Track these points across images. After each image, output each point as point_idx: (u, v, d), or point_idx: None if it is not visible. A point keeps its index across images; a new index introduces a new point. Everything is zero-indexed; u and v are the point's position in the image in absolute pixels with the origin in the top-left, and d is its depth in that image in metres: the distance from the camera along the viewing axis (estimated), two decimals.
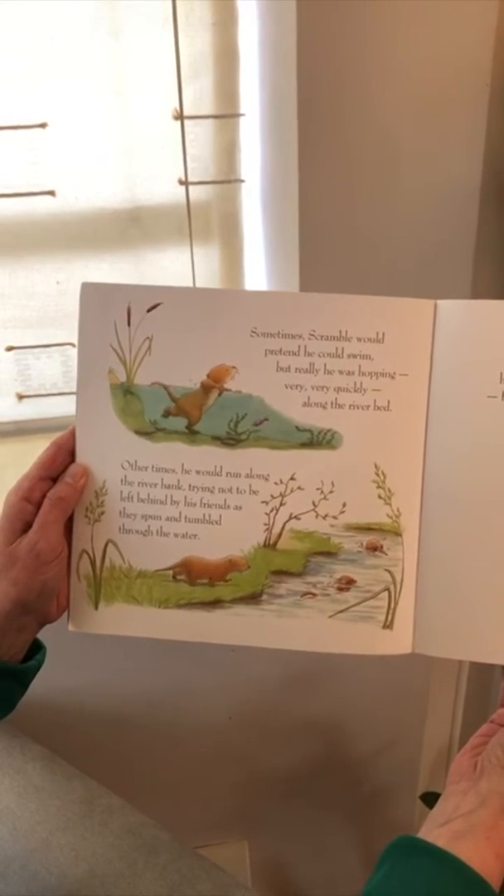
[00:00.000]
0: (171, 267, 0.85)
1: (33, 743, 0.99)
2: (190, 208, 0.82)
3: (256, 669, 1.07)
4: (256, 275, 0.87)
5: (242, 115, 0.80)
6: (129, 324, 0.54)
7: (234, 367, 0.54)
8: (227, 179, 0.83)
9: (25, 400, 0.90)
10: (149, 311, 0.54)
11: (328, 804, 1.21)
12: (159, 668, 1.05)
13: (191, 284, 0.86)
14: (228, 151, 0.82)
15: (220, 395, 0.54)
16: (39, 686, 0.59)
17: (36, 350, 0.87)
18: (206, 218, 0.84)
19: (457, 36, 0.74)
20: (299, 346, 0.54)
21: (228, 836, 1.23)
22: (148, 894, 0.83)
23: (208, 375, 0.54)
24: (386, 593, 0.55)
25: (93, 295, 0.54)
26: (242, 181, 0.83)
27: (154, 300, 0.54)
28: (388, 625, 0.55)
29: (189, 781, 1.16)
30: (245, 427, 0.55)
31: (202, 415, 0.55)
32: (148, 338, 0.54)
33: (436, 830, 0.48)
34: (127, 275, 0.85)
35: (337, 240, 0.82)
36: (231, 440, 0.55)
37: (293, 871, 1.27)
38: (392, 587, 0.55)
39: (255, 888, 1.25)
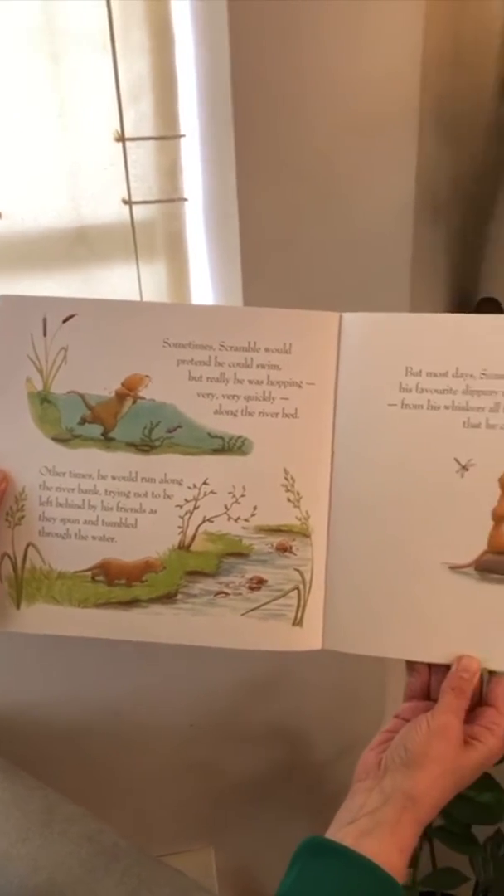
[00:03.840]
0: (119, 284, 0.88)
1: None
2: (135, 227, 0.85)
3: (216, 677, 1.09)
4: (203, 290, 0.90)
5: (183, 136, 0.83)
6: (44, 334, 0.57)
7: (147, 377, 0.57)
8: (170, 198, 0.86)
9: None
10: (64, 321, 0.57)
11: (292, 807, 1.22)
12: (118, 678, 1.07)
13: (138, 300, 0.89)
14: (171, 171, 0.85)
15: (134, 403, 0.57)
16: None
17: None
18: (151, 236, 0.87)
19: (385, 60, 0.77)
20: (210, 357, 0.57)
21: (194, 843, 1.24)
22: None
23: (122, 384, 0.57)
24: (295, 592, 0.58)
25: (10, 307, 0.57)
26: (185, 200, 0.86)
27: (69, 311, 0.57)
28: (297, 622, 0.58)
29: (152, 790, 1.18)
30: (159, 434, 0.57)
31: (117, 422, 0.57)
32: (63, 348, 0.57)
33: (343, 829, 0.50)
34: (76, 293, 0.87)
35: (278, 255, 0.85)
36: (145, 446, 0.57)
37: (260, 875, 1.28)
38: (301, 586, 0.58)
39: (222, 894, 1.26)
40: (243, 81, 0.77)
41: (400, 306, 0.87)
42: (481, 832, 1.04)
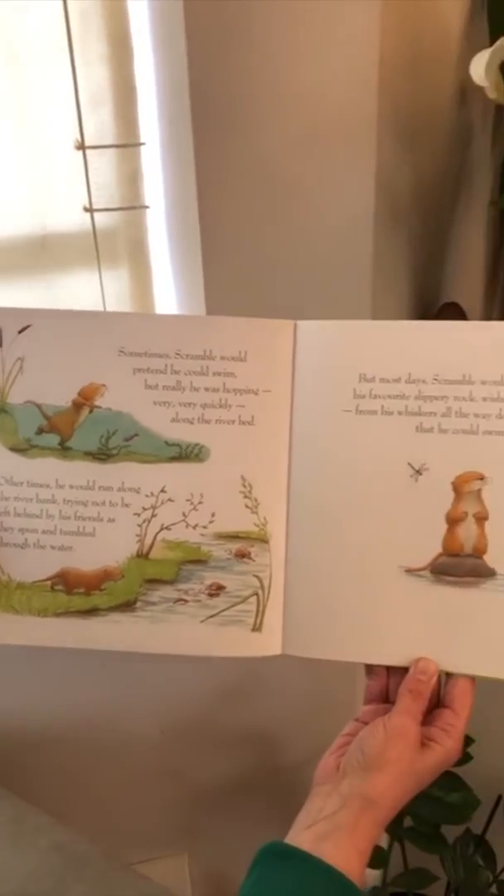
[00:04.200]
0: (82, 292, 0.88)
1: None
2: (96, 234, 0.85)
3: (185, 684, 1.10)
4: (166, 297, 0.90)
5: (143, 144, 0.84)
6: (0, 345, 0.57)
7: (103, 386, 0.57)
8: (132, 206, 0.86)
9: None
10: (20, 332, 0.57)
11: (266, 812, 1.22)
12: (87, 685, 1.06)
13: (101, 308, 0.89)
14: (132, 179, 0.85)
15: (90, 412, 0.57)
16: None
17: None
18: (113, 243, 0.88)
19: (342, 66, 0.78)
20: (166, 365, 0.57)
21: (167, 850, 1.24)
22: None
23: (79, 394, 0.57)
24: (254, 598, 0.58)
25: None
26: (147, 207, 0.87)
27: (24, 322, 0.57)
28: (257, 628, 0.58)
29: (124, 798, 1.18)
30: (116, 443, 0.58)
31: (74, 431, 0.57)
32: (20, 358, 0.57)
33: (301, 833, 0.51)
34: (38, 301, 0.87)
35: (239, 262, 0.85)
36: (103, 455, 0.58)
37: (234, 880, 1.28)
38: (260, 592, 0.58)
39: None
40: (201, 89, 0.77)
41: (362, 312, 0.88)
42: (451, 832, 1.05)
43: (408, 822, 0.99)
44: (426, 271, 0.99)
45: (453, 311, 0.96)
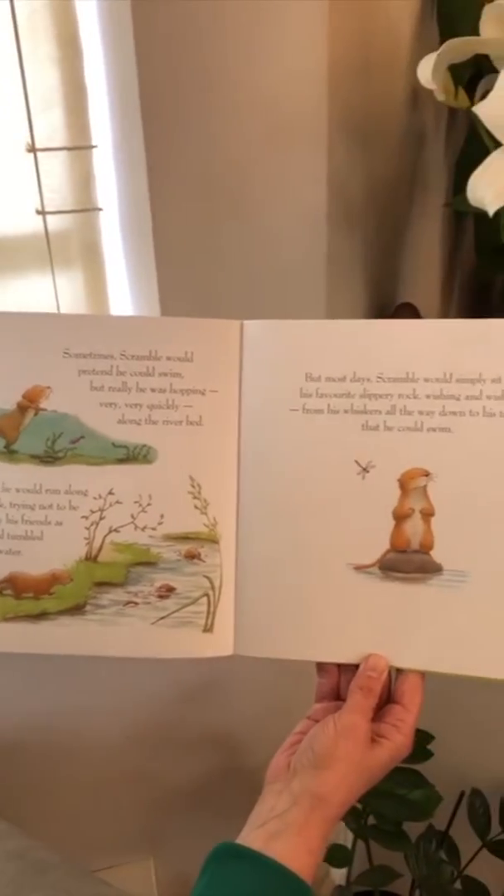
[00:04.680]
0: (36, 295, 0.88)
1: None
2: (49, 237, 0.85)
3: (149, 687, 1.09)
4: (121, 299, 0.90)
5: (95, 146, 0.83)
6: None
7: (48, 388, 0.57)
8: (85, 208, 0.86)
9: None
10: None
11: (232, 814, 1.21)
12: (47, 690, 1.06)
13: (55, 311, 0.88)
14: (84, 182, 0.85)
15: (35, 414, 0.57)
16: None
17: None
18: (67, 246, 0.87)
19: (290, 69, 0.78)
20: (111, 366, 0.57)
21: (133, 855, 1.23)
22: None
23: (24, 396, 0.57)
24: (205, 598, 0.58)
25: None
26: (100, 210, 0.86)
27: None
28: (208, 628, 0.58)
29: (88, 803, 1.17)
30: (62, 445, 0.57)
31: (19, 434, 0.57)
32: None
33: (253, 833, 0.51)
34: None
35: (193, 263, 0.85)
36: (49, 458, 0.57)
37: None
38: (211, 592, 0.58)
39: None
40: (151, 91, 0.77)
41: (316, 313, 0.88)
42: (416, 829, 1.06)
43: (371, 820, 0.99)
44: (382, 272, 1.00)
45: (408, 312, 0.97)
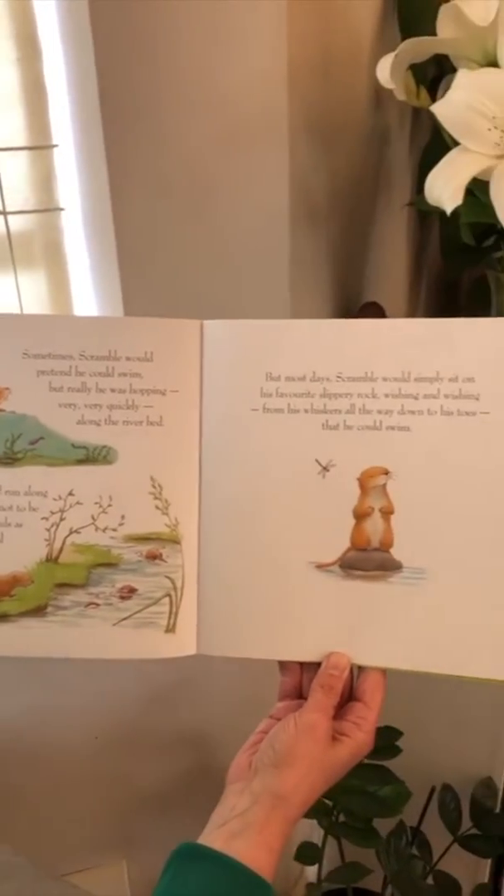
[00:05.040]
0: None
1: None
2: (11, 238, 0.84)
3: (118, 687, 1.09)
4: (85, 299, 0.90)
5: (55, 146, 0.83)
6: None
7: (6, 389, 0.57)
8: (46, 208, 0.85)
9: None
10: None
11: (205, 814, 1.21)
12: (16, 693, 1.05)
13: (18, 311, 0.88)
14: (45, 181, 0.84)
15: None
16: None
17: None
18: (29, 246, 0.87)
19: (250, 69, 0.79)
20: (71, 367, 0.57)
21: (105, 857, 1.23)
22: None
23: None
24: (167, 599, 0.58)
25: None
26: (62, 209, 0.86)
27: None
28: (170, 629, 0.58)
29: (58, 806, 1.16)
30: (21, 446, 0.57)
31: None
32: None
33: (214, 833, 0.51)
34: None
35: (156, 263, 0.85)
36: (8, 459, 0.57)
37: None
38: (173, 593, 0.58)
39: None
40: (110, 91, 0.77)
41: (281, 312, 0.89)
42: (388, 825, 1.06)
43: (342, 817, 1.00)
44: (347, 271, 1.00)
45: (373, 311, 0.97)
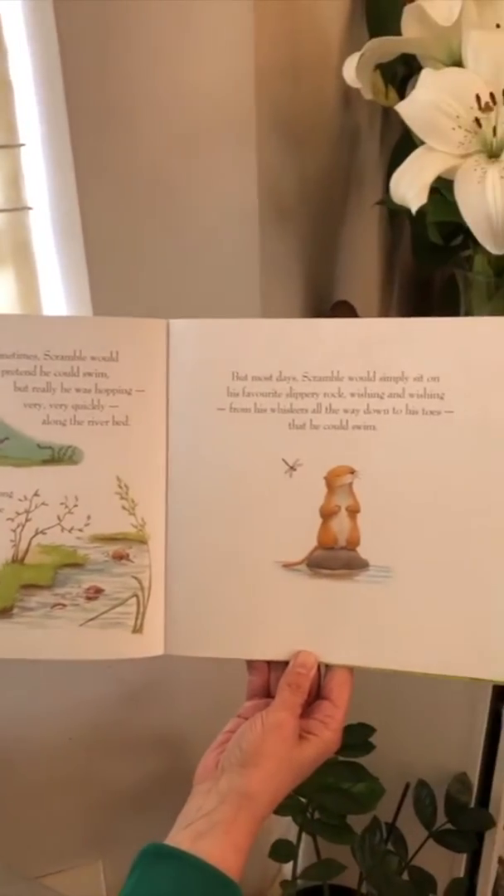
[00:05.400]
0: None
1: None
2: None
3: (91, 689, 1.08)
4: (54, 298, 0.89)
5: (23, 144, 0.82)
6: None
7: None
8: (14, 207, 0.84)
9: None
10: None
11: (178, 814, 1.22)
12: None
13: None
14: (13, 180, 0.84)
15: None
16: None
17: None
18: None
19: (216, 68, 0.78)
20: (35, 367, 0.57)
21: (82, 859, 1.22)
22: None
23: None
24: (134, 599, 0.58)
25: None
26: (30, 209, 0.85)
27: None
28: (137, 629, 0.58)
29: (32, 808, 1.15)
30: None
31: None
32: None
33: (181, 833, 0.51)
34: None
35: (124, 262, 0.85)
36: None
37: None
38: (140, 593, 0.58)
39: None
40: (77, 90, 0.76)
41: (251, 312, 0.89)
42: (362, 822, 1.06)
43: (317, 814, 1.00)
44: (319, 270, 1.01)
45: (344, 310, 0.98)
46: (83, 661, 0.59)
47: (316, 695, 0.57)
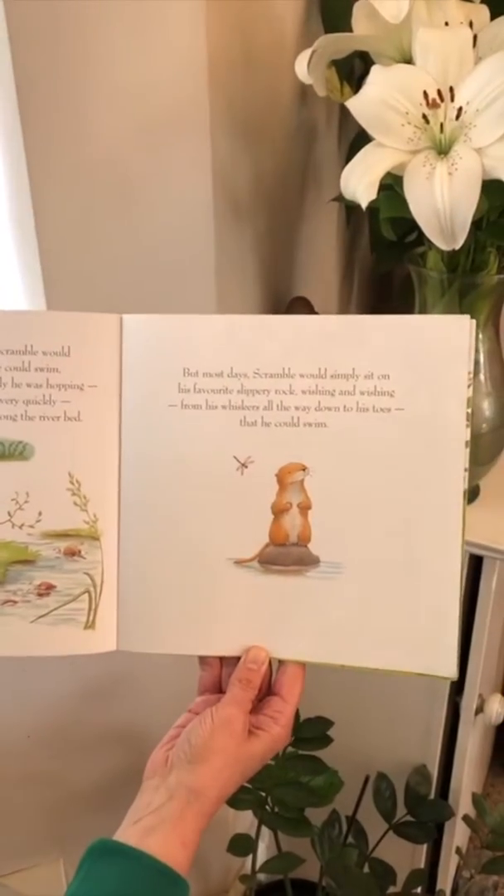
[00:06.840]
0: None
1: None
2: None
3: (51, 684, 1.08)
4: (9, 294, 0.88)
5: None
6: None
7: None
8: None
9: None
10: None
11: None
12: None
13: None
14: None
15: None
16: None
17: None
18: None
19: (168, 62, 0.78)
20: None
21: (41, 857, 1.22)
22: None
23: None
24: (86, 595, 0.58)
25: None
26: None
27: None
28: (90, 625, 0.58)
29: None
30: None
31: None
32: None
33: (129, 829, 0.51)
34: None
35: (78, 258, 0.84)
36: None
37: None
38: (92, 589, 0.58)
39: None
40: (27, 84, 0.75)
41: (207, 308, 0.88)
42: (323, 815, 1.07)
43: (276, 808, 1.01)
44: (276, 267, 1.01)
45: (301, 306, 0.98)
46: (46, 657, 0.58)
47: (267, 690, 0.58)
